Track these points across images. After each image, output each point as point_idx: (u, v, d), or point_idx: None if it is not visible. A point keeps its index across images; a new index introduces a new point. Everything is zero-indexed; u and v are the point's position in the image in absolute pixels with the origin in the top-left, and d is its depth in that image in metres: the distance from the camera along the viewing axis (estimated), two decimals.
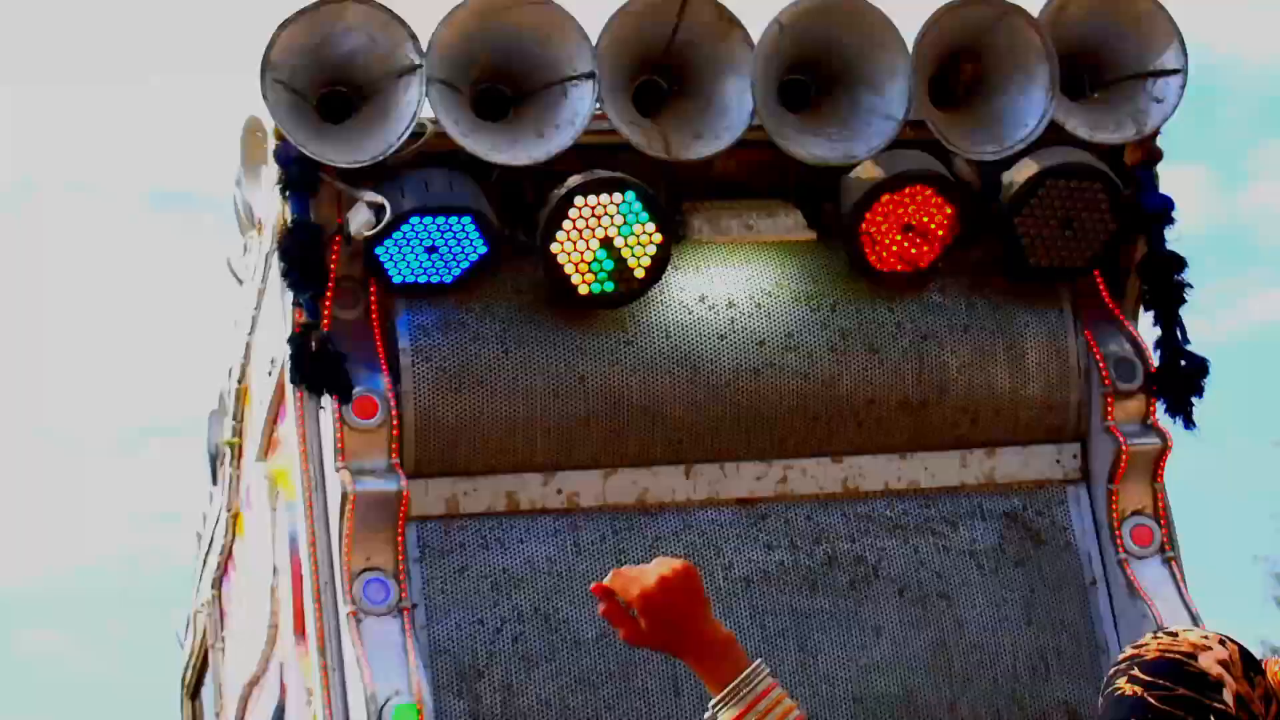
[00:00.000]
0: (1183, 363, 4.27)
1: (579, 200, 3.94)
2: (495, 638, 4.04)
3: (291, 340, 3.96)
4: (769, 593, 4.20)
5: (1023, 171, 4.14)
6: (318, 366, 3.96)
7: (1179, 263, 4.27)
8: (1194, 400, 4.29)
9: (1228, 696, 1.75)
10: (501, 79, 4.10)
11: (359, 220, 3.90)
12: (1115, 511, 4.27)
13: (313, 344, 3.92)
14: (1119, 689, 1.78)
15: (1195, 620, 3.94)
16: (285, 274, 3.99)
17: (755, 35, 4.04)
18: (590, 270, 4.04)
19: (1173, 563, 4.27)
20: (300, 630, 4.23)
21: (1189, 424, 4.27)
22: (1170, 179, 4.57)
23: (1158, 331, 4.35)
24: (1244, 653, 1.81)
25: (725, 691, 1.91)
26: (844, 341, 4.30)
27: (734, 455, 4.29)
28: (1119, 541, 4.22)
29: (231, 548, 5.50)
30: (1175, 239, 4.35)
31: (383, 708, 3.74)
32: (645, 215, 4.01)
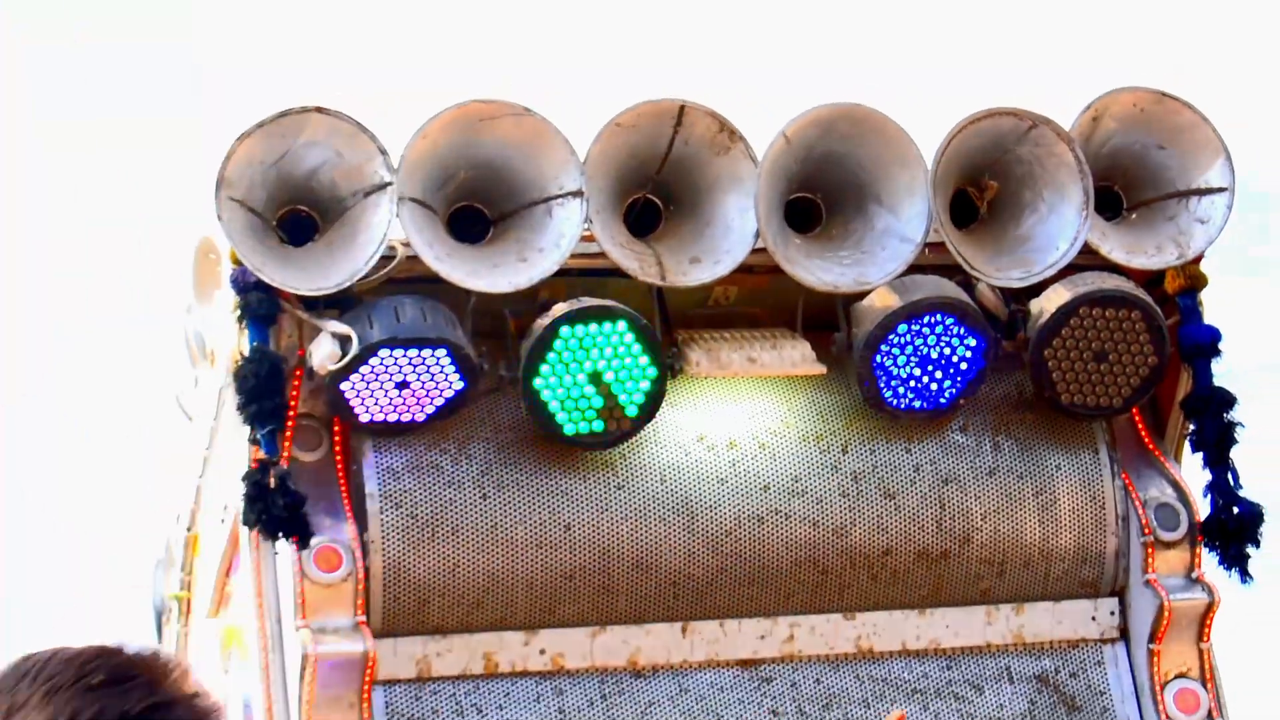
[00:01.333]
0: (1235, 509, 4.02)
1: (565, 331, 3.72)
2: None
3: (247, 477, 3.70)
4: None
5: (1053, 299, 3.91)
6: (274, 508, 3.70)
7: (1229, 400, 4.03)
8: (1250, 551, 4.04)
9: None
10: (480, 197, 3.87)
11: (323, 353, 3.65)
12: (1157, 674, 4.01)
13: (270, 482, 3.66)
14: None
15: None
16: (242, 408, 3.70)
17: (759, 149, 3.78)
18: (577, 408, 3.81)
19: None
20: None
21: (1245, 578, 4.02)
22: (1230, 300, 4.40)
23: (1207, 475, 4.08)
24: None
25: None
26: (857, 486, 4.07)
27: (735, 612, 4.02)
28: (1162, 708, 3.96)
29: None
30: (1226, 373, 4.12)
31: None
32: (637, 347, 3.79)
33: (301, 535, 3.65)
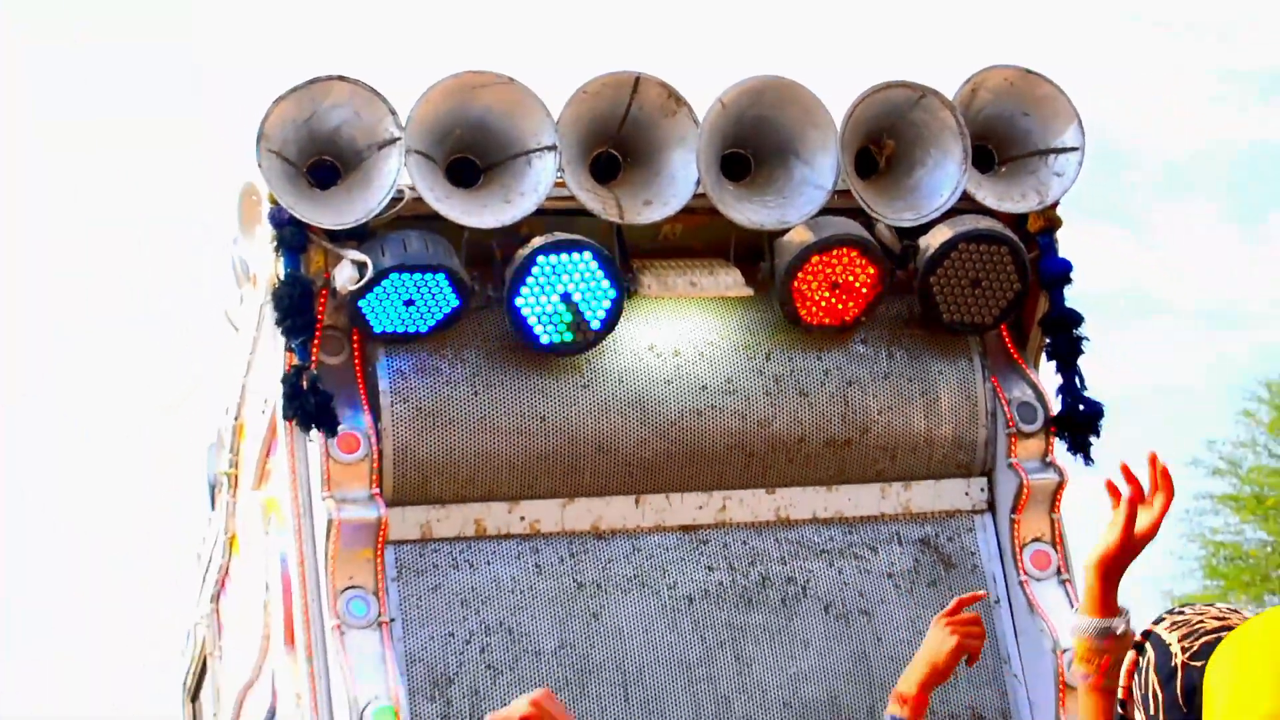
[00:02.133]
0: (1081, 407, 4.51)
1: (541, 259, 4.16)
2: (464, 649, 4.23)
3: (284, 380, 4.16)
4: (709, 609, 4.36)
5: (937, 236, 4.37)
6: (307, 405, 4.15)
7: (1077, 319, 4.50)
8: (1092, 440, 4.53)
9: None
10: (472, 150, 4.31)
11: (344, 276, 4.12)
12: (1017, 539, 4.47)
13: (303, 384, 4.12)
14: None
15: None
16: (279, 322, 4.17)
17: (700, 113, 4.26)
18: (550, 322, 4.25)
19: (1067, 584, 4.43)
20: (290, 641, 4.41)
21: (1088, 461, 4.51)
22: (1079, 238, 4.83)
23: (1058, 380, 4.58)
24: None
25: None
26: (777, 386, 4.49)
27: (678, 487, 4.48)
28: (1020, 565, 4.42)
29: (228, 567, 5.71)
30: (1078, 296, 4.55)
31: (364, 711, 3.92)
32: (601, 273, 4.24)
33: (329, 426, 4.12)
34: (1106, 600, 2.39)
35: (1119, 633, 2.38)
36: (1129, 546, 2.37)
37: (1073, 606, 4.39)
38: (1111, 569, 2.38)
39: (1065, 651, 4.33)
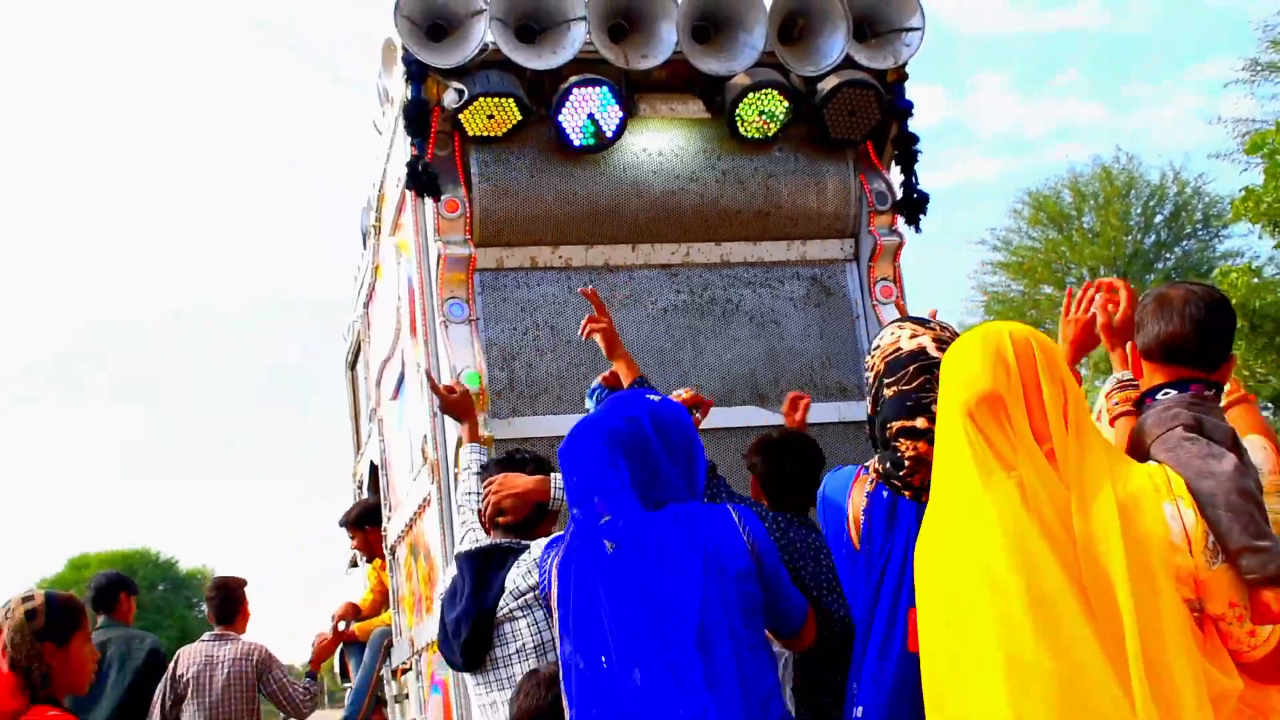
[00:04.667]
0: (914, 196, 5.39)
1: (575, 90, 4.90)
2: (522, 338, 5.03)
3: (409, 164, 4.87)
4: (677, 317, 5.14)
5: (828, 82, 5.18)
6: (423, 181, 4.88)
7: (914, 139, 5.40)
8: (920, 217, 5.39)
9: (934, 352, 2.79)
10: (531, 18, 5.00)
11: (449, 98, 4.86)
12: (871, 278, 5.38)
13: (420, 167, 4.86)
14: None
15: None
16: (406, 128, 4.87)
17: None
18: (580, 131, 4.99)
19: (899, 305, 5.29)
20: (414, 331, 5.17)
21: (917, 230, 5.40)
22: (917, 88, 5.51)
23: (901, 177, 5.44)
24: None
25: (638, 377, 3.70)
26: (724, 177, 5.30)
27: (660, 239, 5.28)
28: (873, 295, 5.31)
29: (374, 286, 6.46)
30: (915, 124, 5.43)
31: (459, 374, 4.63)
32: (613, 100, 4.96)
33: (435, 194, 4.86)
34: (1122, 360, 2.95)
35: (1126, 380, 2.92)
36: (1120, 330, 2.94)
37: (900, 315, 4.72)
38: (1116, 342, 2.96)
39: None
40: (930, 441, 2.69)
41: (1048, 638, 2.32)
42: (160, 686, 5.93)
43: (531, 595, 3.37)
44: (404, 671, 6.20)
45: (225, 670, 6.01)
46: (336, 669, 7.45)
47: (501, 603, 3.59)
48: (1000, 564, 2.38)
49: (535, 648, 3.48)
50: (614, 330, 3.94)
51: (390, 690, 6.69)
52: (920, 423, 2.78)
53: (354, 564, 7.60)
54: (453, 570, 3.82)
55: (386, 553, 6.56)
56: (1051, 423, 2.49)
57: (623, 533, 2.75)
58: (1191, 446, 2.64)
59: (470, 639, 3.63)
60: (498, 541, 3.72)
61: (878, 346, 2.92)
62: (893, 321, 2.96)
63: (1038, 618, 2.33)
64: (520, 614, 3.57)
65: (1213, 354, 2.78)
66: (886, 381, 2.85)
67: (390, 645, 6.57)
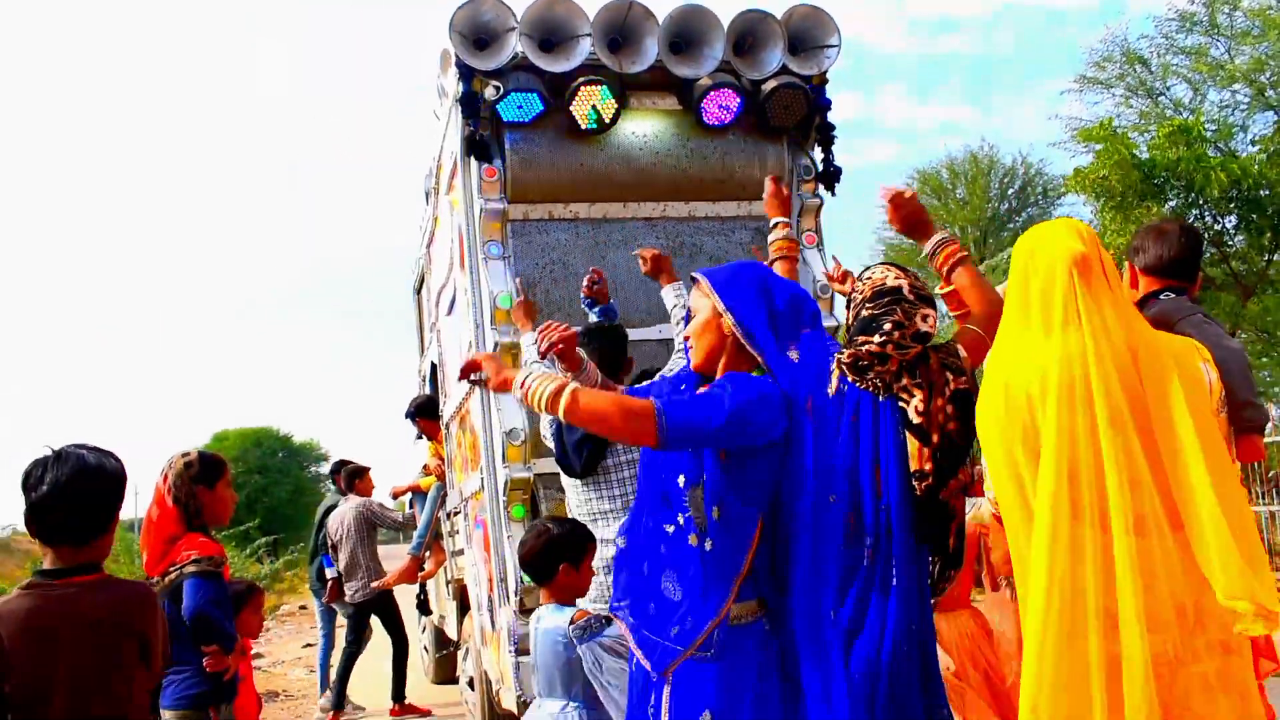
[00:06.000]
0: (831, 169, 5.87)
1: (582, 89, 5.44)
2: (543, 270, 5.51)
3: (464, 140, 5.37)
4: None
5: (771, 83, 5.67)
6: (475, 149, 5.38)
7: (832, 128, 5.86)
8: (836, 183, 5.86)
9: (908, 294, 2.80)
10: (551, 33, 5.47)
11: (489, 93, 5.38)
12: (800, 229, 5.81)
13: (474, 138, 5.38)
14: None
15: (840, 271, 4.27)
16: (463, 113, 5.40)
17: (660, 19, 5.47)
18: (587, 117, 5.49)
19: (821, 250, 5.74)
20: (463, 265, 5.67)
21: (833, 194, 5.86)
22: (835, 94, 5.98)
23: (821, 155, 5.89)
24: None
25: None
26: (691, 154, 5.77)
27: (644, 199, 5.76)
28: (805, 239, 5.71)
29: (434, 233, 7.03)
30: (833, 117, 5.85)
31: (495, 298, 5.16)
32: (610, 95, 5.47)
33: (487, 158, 5.38)
34: (926, 233, 3.05)
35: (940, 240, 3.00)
36: (906, 218, 3.12)
37: (824, 264, 5.46)
38: (911, 228, 3.09)
39: (818, 281, 5.36)
40: (881, 354, 2.78)
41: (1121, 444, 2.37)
42: (316, 537, 8.60)
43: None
44: (455, 514, 7.02)
45: (351, 518, 8.59)
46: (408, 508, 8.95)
47: None
48: (1090, 377, 2.44)
49: (637, 460, 3.56)
50: (662, 256, 4.48)
51: (445, 528, 7.80)
52: (878, 337, 2.83)
53: (419, 436, 8.65)
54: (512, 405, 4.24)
55: (442, 427, 7.36)
56: (1114, 288, 2.58)
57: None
58: (1211, 327, 2.91)
59: (594, 450, 3.90)
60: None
61: (869, 277, 2.97)
62: (882, 263, 3.05)
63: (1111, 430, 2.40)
64: None
65: (1193, 271, 3.10)
66: (868, 304, 2.91)
67: (445, 496, 7.57)
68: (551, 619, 3.39)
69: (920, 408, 2.78)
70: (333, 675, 8.61)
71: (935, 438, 2.77)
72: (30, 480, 2.57)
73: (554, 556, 3.45)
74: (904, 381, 2.83)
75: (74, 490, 2.56)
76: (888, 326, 2.84)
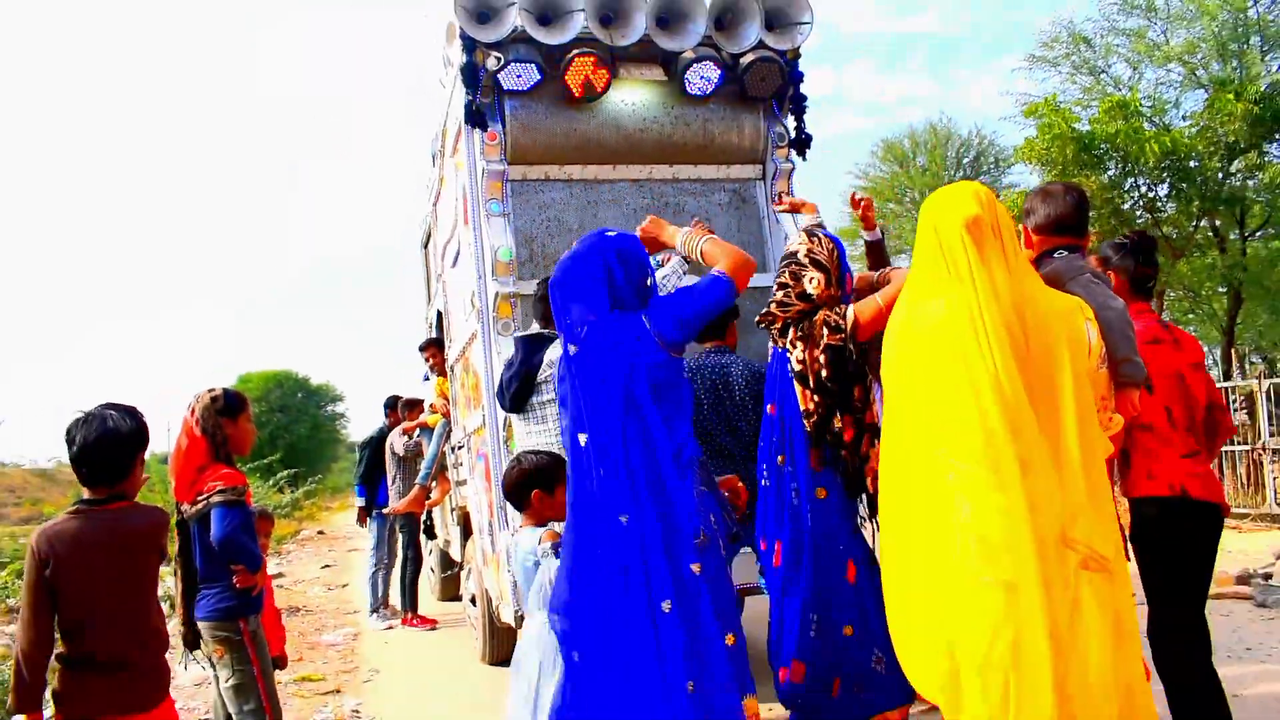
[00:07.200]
0: (804, 136, 5.77)
1: (576, 60, 5.33)
2: (539, 226, 5.48)
3: (465, 106, 5.31)
4: (642, 216, 5.22)
5: (749, 56, 5.57)
6: (473, 115, 5.30)
7: (804, 99, 5.75)
8: (807, 150, 5.76)
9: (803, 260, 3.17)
10: (547, 7, 5.39)
11: (491, 63, 5.26)
12: (773, 192, 5.73)
13: (473, 107, 5.31)
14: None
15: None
16: (464, 82, 5.31)
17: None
18: (581, 85, 5.39)
19: (794, 213, 4.98)
20: (466, 221, 5.54)
21: (804, 158, 5.76)
22: (808, 68, 5.69)
23: (795, 123, 5.76)
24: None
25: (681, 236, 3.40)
26: (675, 121, 5.68)
27: (632, 161, 5.67)
28: (776, 202, 5.41)
29: (440, 191, 6.81)
30: (807, 91, 5.75)
31: (496, 251, 5.06)
32: (603, 66, 5.39)
33: (484, 126, 5.29)
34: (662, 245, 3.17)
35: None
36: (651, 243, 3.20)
37: (797, 225, 4.96)
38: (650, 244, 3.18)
39: (789, 238, 4.49)
40: (769, 313, 3.02)
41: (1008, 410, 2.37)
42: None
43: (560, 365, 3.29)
44: (459, 448, 7.02)
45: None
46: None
47: (542, 368, 4.07)
48: (979, 331, 2.43)
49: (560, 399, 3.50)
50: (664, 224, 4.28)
51: (450, 460, 7.74)
52: (779, 295, 3.07)
53: (426, 377, 8.59)
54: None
55: (448, 369, 7.33)
56: (1007, 248, 2.56)
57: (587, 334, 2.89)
58: (1097, 287, 2.87)
59: (519, 390, 4.09)
60: (541, 331, 4.27)
61: (789, 247, 3.21)
62: (807, 229, 3.23)
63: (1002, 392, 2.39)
64: (551, 376, 3.97)
65: (1083, 228, 3.07)
66: (780, 267, 3.25)
67: (450, 431, 7.55)
68: (524, 540, 3.39)
69: (801, 358, 3.18)
70: (394, 588, 8.70)
71: (812, 382, 3.17)
72: (68, 438, 3.05)
73: (528, 485, 3.45)
74: (790, 335, 3.18)
75: (99, 445, 3.04)
76: (775, 288, 3.16)
